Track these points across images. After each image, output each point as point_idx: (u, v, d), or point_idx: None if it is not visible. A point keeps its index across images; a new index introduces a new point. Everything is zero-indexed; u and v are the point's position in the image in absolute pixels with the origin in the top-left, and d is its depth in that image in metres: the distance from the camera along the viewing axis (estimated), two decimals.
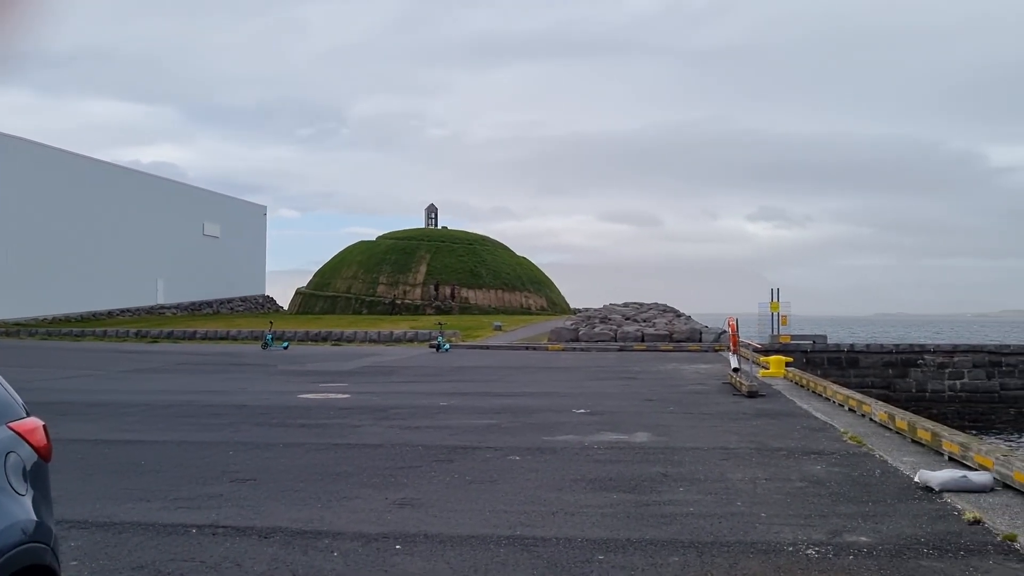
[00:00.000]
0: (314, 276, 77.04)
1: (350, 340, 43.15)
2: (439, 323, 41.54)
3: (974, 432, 28.01)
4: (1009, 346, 32.70)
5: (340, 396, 17.48)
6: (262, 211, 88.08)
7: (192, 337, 45.50)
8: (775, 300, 34.02)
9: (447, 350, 34.63)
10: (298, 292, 76.51)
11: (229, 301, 76.67)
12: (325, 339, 43.51)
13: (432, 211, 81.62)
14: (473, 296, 69.66)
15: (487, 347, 37.95)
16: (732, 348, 19.87)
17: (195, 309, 71.07)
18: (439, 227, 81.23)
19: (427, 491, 8.19)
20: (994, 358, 31.63)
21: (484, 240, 78.91)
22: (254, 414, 14.41)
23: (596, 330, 39.52)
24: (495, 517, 7.14)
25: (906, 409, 30.64)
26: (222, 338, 45.26)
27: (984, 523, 6.73)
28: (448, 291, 68.72)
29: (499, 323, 49.58)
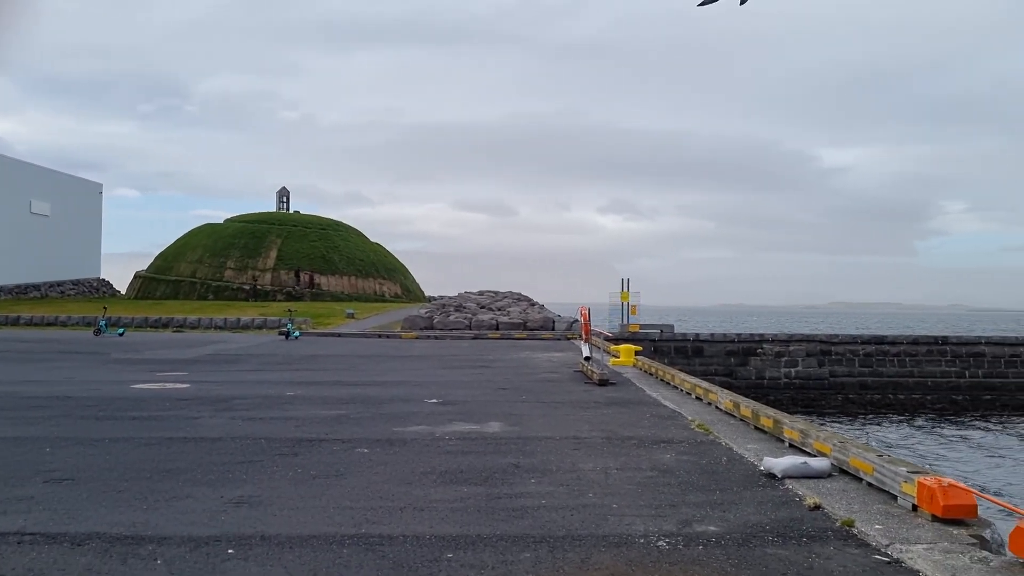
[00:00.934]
0: (156, 259, 73.29)
1: (194, 327, 41.20)
2: (289, 310, 40.25)
3: (808, 417, 29.64)
4: (838, 336, 34.75)
5: (179, 386, 16.49)
6: (97, 189, 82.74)
7: (15, 323, 42.28)
8: (625, 290, 34.82)
9: (297, 337, 33.57)
10: (137, 276, 72.55)
11: (59, 284, 71.66)
12: (166, 325, 41.36)
13: (284, 195, 79.18)
14: (326, 282, 68.08)
15: (339, 335, 37.07)
16: (584, 337, 20.07)
17: (20, 293, 66.08)
18: (291, 211, 78.91)
19: (267, 488, 7.69)
20: (825, 347, 33.55)
21: (338, 226, 77.26)
22: (80, 406, 13.32)
23: (451, 318, 39.32)
24: (340, 514, 6.75)
25: (746, 395, 32.07)
26: (50, 324, 42.28)
27: (824, 509, 6.90)
28: (300, 277, 66.83)
29: (352, 310, 48.63)
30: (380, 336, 36.32)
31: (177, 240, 74.55)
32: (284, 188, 79.04)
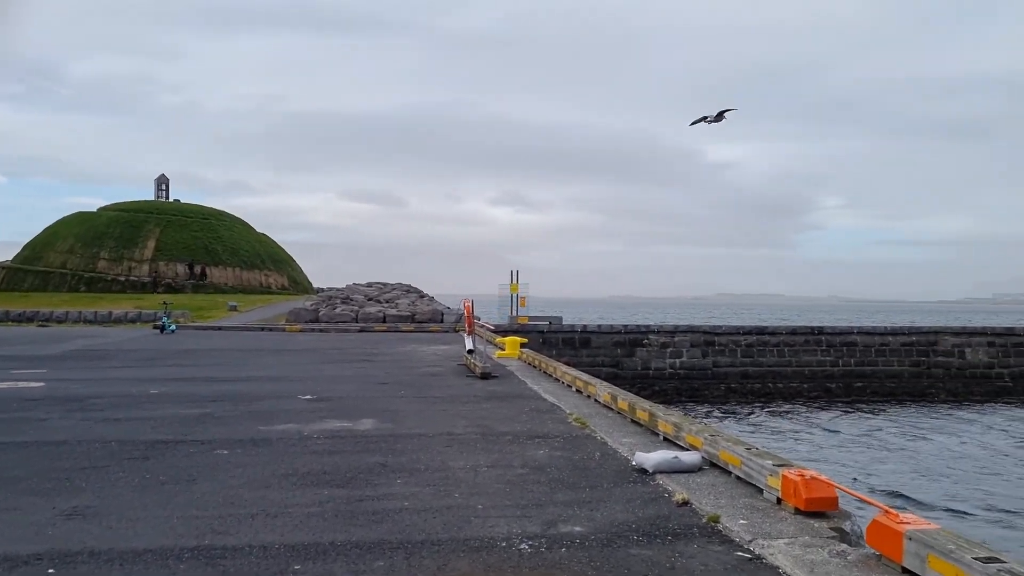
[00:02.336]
0: (23, 249, 69.21)
1: (61, 320, 39.01)
2: (165, 302, 38.53)
3: (691, 407, 30.23)
4: (721, 327, 35.60)
5: (33, 385, 15.39)
6: None
7: None
8: (514, 282, 34.74)
9: (173, 331, 32.14)
10: (1, 267, 68.34)
11: None
12: (31, 319, 39.03)
13: (163, 182, 75.96)
14: (208, 274, 65.68)
15: (219, 328, 35.71)
16: (468, 329, 19.79)
17: None
18: (171, 200, 75.79)
19: (108, 496, 7.10)
20: (708, 338, 34.30)
21: (221, 215, 74.70)
22: None
23: (337, 311, 38.45)
24: (183, 524, 6.25)
25: (632, 386, 32.45)
26: None
27: (692, 504, 6.80)
28: (194, 268, 64.30)
29: (235, 303, 47.06)
30: (263, 330, 35.17)
31: (46, 229, 70.55)
32: (163, 176, 75.76)
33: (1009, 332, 36.69)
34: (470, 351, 18.72)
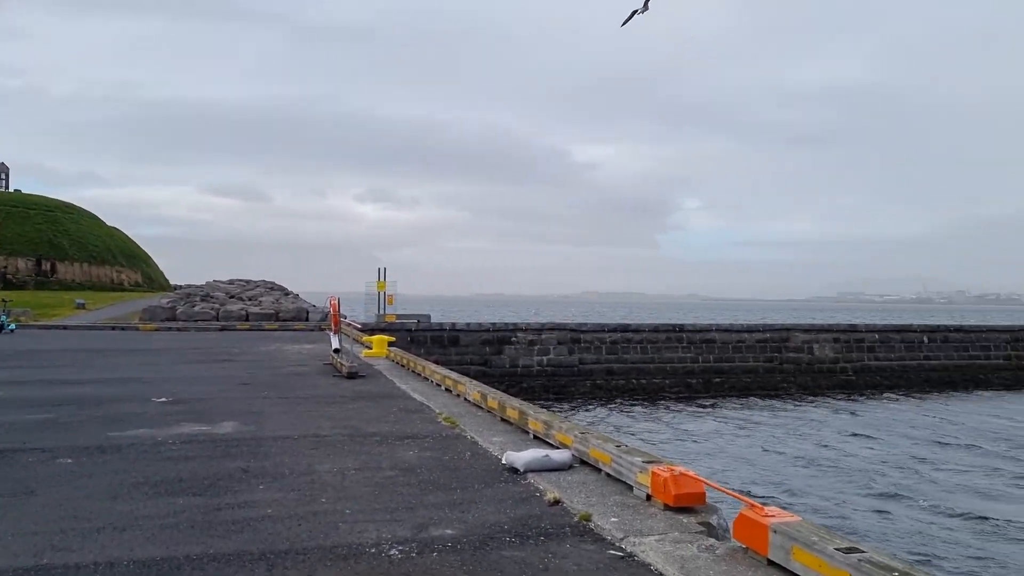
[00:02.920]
0: None
1: None
2: (3, 300, 35.92)
3: (559, 404, 30.63)
4: (586, 324, 36.21)
5: None
6: None
7: None
8: (382, 279, 34.26)
9: (12, 331, 29.99)
10: None
11: None
12: None
13: (2, 171, 70.94)
14: (53, 269, 61.81)
15: (65, 327, 33.59)
16: (334, 328, 19.29)
17: None
18: (10, 190, 70.91)
19: None
20: (574, 335, 34.83)
21: (68, 208, 70.41)
22: None
23: (196, 308, 36.90)
24: (19, 542, 5.72)
25: (500, 383, 32.58)
26: None
27: (563, 503, 6.77)
28: (23, 264, 60.24)
29: (83, 300, 44.47)
30: (114, 328, 33.31)
31: None
32: (3, 164, 70.78)
33: (852, 329, 38.97)
34: (336, 350, 18.27)
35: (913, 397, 34.48)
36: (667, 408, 30.44)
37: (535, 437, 9.44)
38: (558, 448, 8.49)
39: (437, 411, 11.86)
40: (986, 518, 15.13)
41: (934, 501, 16.39)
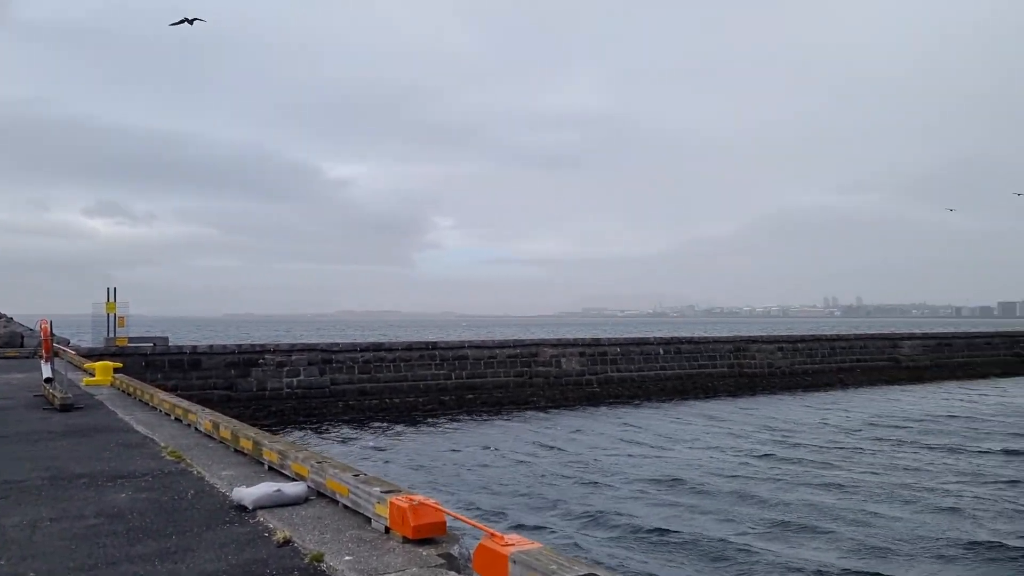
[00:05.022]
0: None
1: None
2: None
3: (311, 426, 29.45)
4: (339, 344, 35.22)
5: None
6: None
7: None
8: (111, 300, 31.37)
9: None
10: None
11: None
12: None
13: None
14: None
15: None
16: (44, 355, 17.11)
17: None
18: None
19: None
20: (326, 355, 33.74)
21: None
22: None
23: None
24: None
25: (247, 408, 30.85)
26: None
27: (294, 543, 6.17)
28: None
29: None
30: None
31: None
32: None
33: (596, 343, 40.85)
34: (48, 379, 16.26)
35: (649, 407, 36.55)
36: (419, 428, 30.15)
37: (270, 468, 8.72)
38: (294, 480, 7.85)
39: (162, 444, 10.72)
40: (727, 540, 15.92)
41: (680, 515, 16.79)
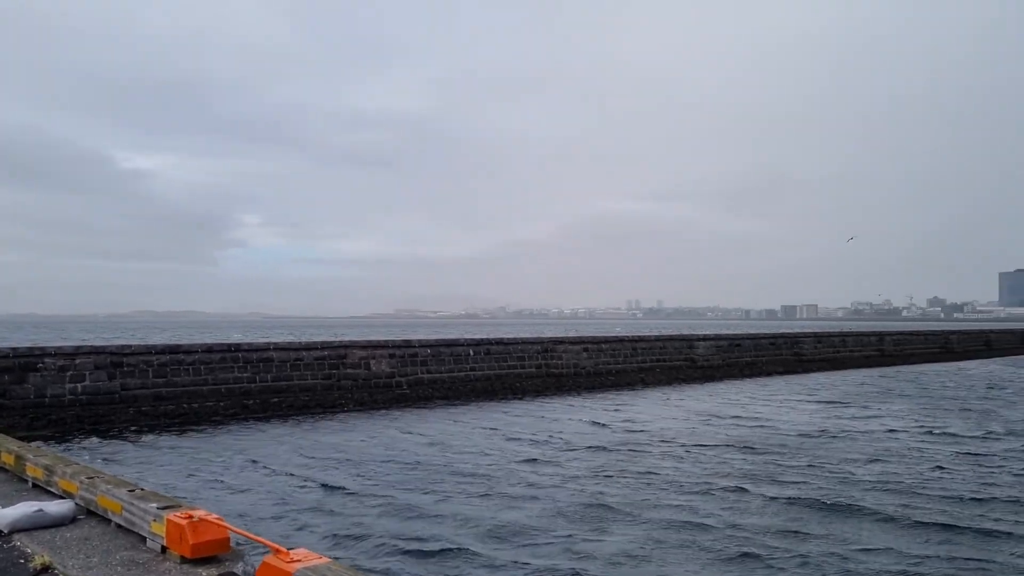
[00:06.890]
0: None
1: None
2: None
3: (98, 435, 27.38)
4: (131, 346, 33.05)
5: None
6: None
7: None
8: None
9: None
10: None
11: None
12: None
13: None
14: None
15: None
16: None
17: None
18: None
19: None
20: (116, 359, 31.56)
21: None
22: None
23: None
24: None
25: (24, 418, 28.36)
26: None
27: (54, 569, 5.56)
28: None
29: None
30: None
31: None
32: None
33: (407, 344, 40.61)
34: None
35: (458, 406, 36.76)
36: (216, 434, 28.74)
37: (35, 486, 7.90)
38: (60, 498, 7.13)
39: None
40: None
41: (466, 522, 16.99)
